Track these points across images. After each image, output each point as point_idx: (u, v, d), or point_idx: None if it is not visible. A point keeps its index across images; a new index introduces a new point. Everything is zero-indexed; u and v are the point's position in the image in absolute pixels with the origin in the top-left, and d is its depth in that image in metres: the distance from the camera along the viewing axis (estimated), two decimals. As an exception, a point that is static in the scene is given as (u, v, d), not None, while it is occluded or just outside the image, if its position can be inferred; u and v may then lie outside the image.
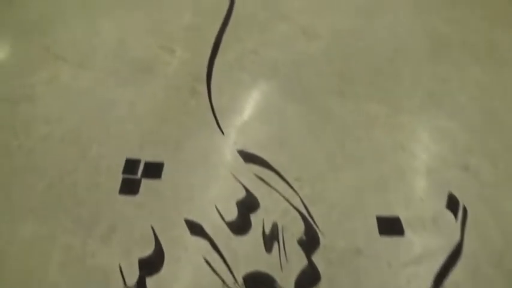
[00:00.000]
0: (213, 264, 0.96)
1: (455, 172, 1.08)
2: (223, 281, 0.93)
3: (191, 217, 1.03)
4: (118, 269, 0.94)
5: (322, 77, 1.25)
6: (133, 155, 1.13)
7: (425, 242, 0.97)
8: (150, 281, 0.93)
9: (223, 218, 1.02)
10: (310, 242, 0.99)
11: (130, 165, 1.11)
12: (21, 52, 1.35)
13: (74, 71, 1.30)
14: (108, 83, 1.27)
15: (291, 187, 1.06)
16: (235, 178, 1.08)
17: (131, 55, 1.32)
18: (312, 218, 1.02)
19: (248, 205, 1.04)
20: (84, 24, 1.40)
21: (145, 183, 1.08)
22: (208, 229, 1.01)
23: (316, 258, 0.96)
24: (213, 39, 1.35)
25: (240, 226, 1.02)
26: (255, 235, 0.99)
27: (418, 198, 1.05)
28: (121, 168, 1.11)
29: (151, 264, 0.95)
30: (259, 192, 1.06)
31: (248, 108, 1.20)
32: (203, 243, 0.98)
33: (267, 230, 1.01)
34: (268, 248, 0.98)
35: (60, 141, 1.16)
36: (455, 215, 1.02)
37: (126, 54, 1.32)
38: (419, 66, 1.26)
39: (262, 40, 1.33)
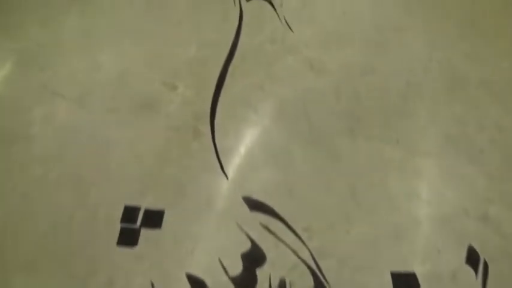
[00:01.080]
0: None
1: (475, 222, 1.01)
2: None
3: (193, 271, 0.96)
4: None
5: (332, 115, 1.18)
6: (132, 201, 1.07)
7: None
8: None
9: (227, 273, 0.95)
10: (320, 301, 0.92)
11: (129, 213, 1.05)
12: (18, 87, 1.29)
13: (72, 108, 1.24)
14: (107, 121, 1.21)
15: (300, 238, 0.99)
16: (241, 228, 1.01)
17: (132, 91, 1.26)
18: (321, 273, 0.95)
19: (254, 258, 0.98)
20: (83, 56, 1.34)
21: (145, 233, 1.01)
22: (211, 285, 0.93)
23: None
24: (218, 73, 1.28)
25: (245, 282, 0.95)
26: (261, 293, 0.92)
27: (435, 251, 0.97)
28: (119, 216, 1.04)
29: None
30: (266, 244, 0.99)
31: (254, 150, 1.14)
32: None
33: (274, 286, 0.93)
34: (275, 307, 0.91)
35: (56, 184, 1.10)
36: (476, 270, 0.94)
37: (126, 91, 1.26)
38: (434, 104, 1.19)
39: (269, 75, 1.27)
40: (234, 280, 0.96)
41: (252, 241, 1.00)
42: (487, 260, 0.96)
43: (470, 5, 1.37)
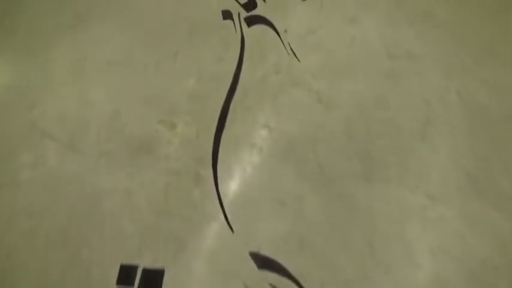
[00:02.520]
0: None
1: (504, 279, 0.90)
2: None
3: None
4: None
5: (344, 156, 1.08)
6: (129, 259, 0.97)
7: None
8: None
9: None
10: None
11: (126, 273, 0.95)
12: (4, 126, 1.19)
13: (63, 152, 1.14)
14: (101, 167, 1.10)
15: (313, 301, 0.89)
16: (248, 290, 0.91)
17: (127, 132, 1.16)
18: None
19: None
20: (74, 92, 1.25)
21: (143, 298, 0.91)
22: None
23: None
24: (219, 109, 1.17)
25: None
26: None
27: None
28: (115, 276, 0.94)
29: None
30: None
31: (260, 197, 1.04)
32: None
33: None
34: None
35: (45, 241, 1.00)
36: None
37: (121, 131, 1.16)
38: (455, 142, 1.08)
39: (274, 110, 1.16)
40: None
41: (261, 305, 0.90)
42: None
43: (487, 29, 1.26)
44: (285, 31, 1.33)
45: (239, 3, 1.41)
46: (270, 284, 0.93)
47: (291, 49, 1.29)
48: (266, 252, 0.98)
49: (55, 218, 1.05)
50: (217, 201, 1.05)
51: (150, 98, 1.24)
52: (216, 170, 1.09)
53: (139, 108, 1.22)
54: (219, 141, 1.14)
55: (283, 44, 1.30)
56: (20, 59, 1.33)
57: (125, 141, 1.16)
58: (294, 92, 1.21)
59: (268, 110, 1.18)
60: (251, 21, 1.36)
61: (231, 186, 1.07)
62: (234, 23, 1.36)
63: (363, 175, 1.06)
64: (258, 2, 1.41)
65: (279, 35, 1.32)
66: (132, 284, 0.95)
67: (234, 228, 1.00)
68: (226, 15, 1.38)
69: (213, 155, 1.12)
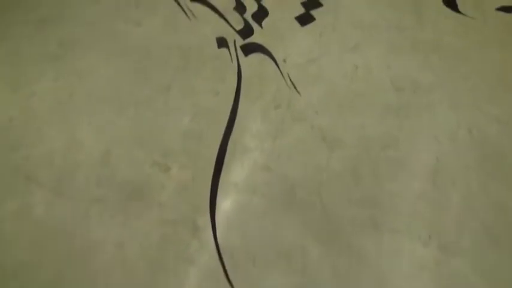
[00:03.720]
0: None
1: None
2: None
3: None
4: None
5: (350, 202, 1.01)
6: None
7: None
8: None
9: None
10: None
11: None
12: (-14, 172, 1.11)
13: (49, 199, 1.07)
14: (90, 216, 1.03)
15: None
16: None
17: (118, 176, 1.08)
18: None
19: None
20: (61, 132, 1.17)
21: None
22: None
23: None
24: (216, 149, 1.09)
25: None
26: None
27: None
28: None
29: None
30: None
31: (262, 251, 0.97)
32: None
33: None
34: None
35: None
36: None
37: (112, 175, 1.08)
38: (468, 186, 1.02)
39: (275, 150, 1.09)
40: None
41: None
42: None
43: (499, 59, 1.19)
44: (284, 61, 1.25)
45: (234, 29, 1.33)
46: None
47: (291, 81, 1.21)
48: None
49: (42, 276, 0.96)
50: (216, 254, 0.97)
51: (142, 137, 1.16)
52: (215, 218, 1.02)
53: (131, 149, 1.14)
54: (217, 187, 1.06)
55: (282, 75, 1.23)
56: (1, 94, 1.24)
57: (116, 187, 1.08)
58: (295, 129, 1.14)
59: (268, 150, 1.11)
60: (248, 49, 1.28)
61: (231, 237, 1.00)
62: (229, 52, 1.28)
63: (371, 223, 1.00)
64: (254, 28, 1.32)
65: (277, 65, 1.24)
66: None
67: (234, 285, 0.93)
68: (221, 43, 1.30)
69: (210, 202, 1.04)
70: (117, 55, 1.31)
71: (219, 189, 1.07)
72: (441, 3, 1.33)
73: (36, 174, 1.12)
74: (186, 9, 1.38)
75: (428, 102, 1.15)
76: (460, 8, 1.31)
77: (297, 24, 1.32)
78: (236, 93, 1.20)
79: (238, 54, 1.27)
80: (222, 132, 1.15)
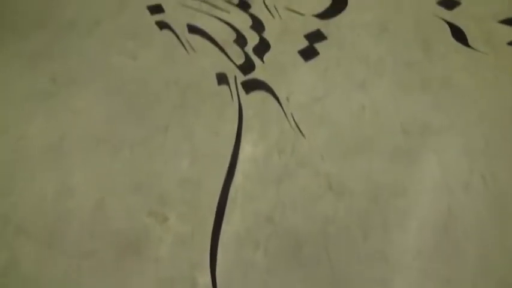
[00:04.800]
0: None
1: None
2: None
3: None
4: None
5: (359, 258, 0.96)
6: None
7: None
8: None
9: None
10: None
11: None
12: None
13: (39, 253, 1.01)
14: (83, 271, 0.98)
15: None
16: None
17: (113, 227, 1.03)
18: None
19: None
20: (52, 177, 1.10)
21: None
22: None
23: None
24: (217, 197, 1.03)
25: None
26: None
27: None
28: None
29: None
30: None
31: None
32: None
33: None
34: None
35: None
36: None
37: (106, 226, 1.03)
38: (483, 239, 0.97)
39: (279, 198, 1.04)
40: None
41: None
42: None
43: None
44: (287, 99, 1.19)
45: (235, 64, 1.26)
46: None
47: (295, 122, 1.15)
48: None
49: None
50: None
51: (138, 183, 1.09)
52: (215, 277, 0.95)
53: (126, 196, 1.08)
54: (218, 240, 1.00)
55: (286, 116, 1.16)
56: (-11, 135, 1.17)
57: (110, 239, 1.02)
58: (300, 176, 1.08)
59: (272, 199, 1.05)
60: (249, 86, 1.22)
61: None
62: (230, 89, 1.22)
63: (381, 281, 0.93)
64: (255, 63, 1.26)
65: (280, 104, 1.18)
66: None
67: None
68: (221, 79, 1.24)
69: (211, 257, 0.98)
70: (111, 91, 1.25)
71: (219, 243, 1.00)
72: (450, 37, 1.27)
73: (26, 224, 1.05)
74: (184, 41, 1.32)
75: (439, 146, 1.10)
76: (470, 42, 1.25)
77: (300, 58, 1.26)
78: (237, 135, 1.14)
79: (239, 92, 1.21)
80: (223, 178, 1.09)
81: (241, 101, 1.20)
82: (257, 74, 1.25)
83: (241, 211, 1.04)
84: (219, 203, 1.05)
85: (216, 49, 1.31)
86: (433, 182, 1.06)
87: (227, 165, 1.11)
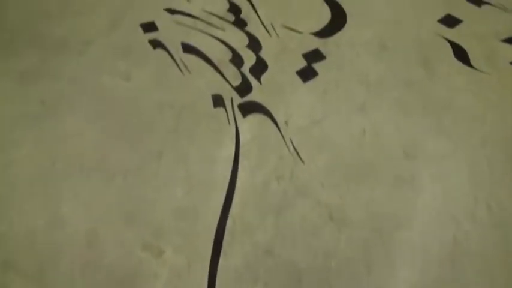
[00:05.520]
0: None
1: None
2: None
3: None
4: None
5: (363, 292, 0.90)
6: None
7: None
8: None
9: None
10: None
11: None
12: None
13: (30, 289, 0.94)
14: (75, 312, 0.90)
15: None
16: None
17: (106, 261, 0.99)
18: None
19: None
20: (43, 208, 1.06)
21: None
22: None
23: None
24: (214, 228, 0.99)
25: None
26: None
27: None
28: None
29: None
30: None
31: None
32: None
33: None
34: None
35: None
36: None
37: (98, 261, 0.99)
38: (491, 271, 0.94)
39: (278, 230, 1.01)
40: None
41: None
42: None
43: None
44: (286, 123, 1.15)
45: (231, 85, 1.22)
46: None
47: (294, 147, 1.11)
48: None
49: None
50: None
51: (132, 213, 1.05)
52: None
53: (119, 227, 1.04)
54: (215, 275, 0.96)
55: (284, 140, 1.13)
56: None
57: (103, 275, 0.98)
58: (299, 205, 1.04)
59: (271, 230, 1.01)
60: (246, 109, 1.18)
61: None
62: (226, 111, 1.17)
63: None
64: (252, 84, 1.22)
65: (278, 128, 1.14)
66: None
67: None
68: (217, 101, 1.19)
69: (209, 293, 0.93)
70: (103, 115, 1.20)
71: (217, 278, 0.96)
72: (452, 56, 1.23)
73: (15, 259, 1.01)
74: (178, 60, 1.27)
75: (442, 172, 1.06)
76: (472, 61, 1.22)
77: (298, 79, 1.22)
78: (234, 161, 1.10)
79: (236, 115, 1.17)
80: (220, 207, 1.04)
81: (238, 125, 1.16)
82: (254, 95, 1.21)
83: (240, 243, 1.01)
84: (216, 235, 1.01)
85: (212, 69, 1.27)
86: (437, 211, 1.02)
87: (224, 193, 1.07)
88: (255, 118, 1.18)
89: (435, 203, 1.04)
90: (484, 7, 1.34)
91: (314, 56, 1.27)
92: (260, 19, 1.36)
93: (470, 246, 0.98)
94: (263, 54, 1.29)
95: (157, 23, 1.37)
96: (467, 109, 1.15)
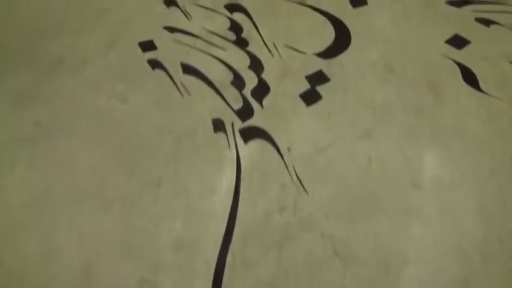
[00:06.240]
0: None
1: None
2: None
3: None
4: None
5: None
6: None
7: None
8: None
9: None
10: None
11: None
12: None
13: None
14: None
15: None
16: None
17: (101, 297, 0.92)
18: None
19: None
20: (37, 238, 1.04)
21: None
22: None
23: None
24: (214, 263, 0.95)
25: None
26: None
27: None
28: None
29: None
30: None
31: None
32: None
33: None
34: None
35: None
36: None
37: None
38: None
39: (281, 264, 0.98)
40: None
41: None
42: None
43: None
44: (288, 149, 1.10)
45: (232, 109, 1.18)
46: None
47: (297, 176, 1.07)
48: None
49: None
50: None
51: (129, 245, 1.02)
52: None
53: (116, 261, 1.00)
54: (215, 314, 0.91)
55: (287, 168, 1.08)
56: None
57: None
58: (303, 239, 1.00)
59: (274, 265, 0.97)
60: (247, 134, 1.14)
61: None
62: (227, 137, 1.13)
63: None
64: (254, 107, 1.17)
65: (281, 155, 1.10)
66: None
67: None
68: (218, 126, 1.15)
69: (208, 334, 0.89)
70: (99, 139, 1.16)
71: (217, 315, 0.91)
72: (461, 80, 1.19)
73: (9, 291, 0.95)
74: (178, 82, 1.23)
75: (451, 204, 1.02)
76: (481, 85, 1.17)
77: (301, 103, 1.18)
78: (235, 191, 1.05)
79: (237, 141, 1.12)
80: (220, 240, 1.00)
81: (239, 151, 1.12)
82: (256, 120, 1.17)
83: (241, 279, 0.97)
84: (216, 270, 0.97)
85: (212, 91, 1.23)
86: (446, 246, 0.98)
87: (225, 225, 1.02)
88: (256, 144, 1.13)
89: (444, 238, 0.99)
90: (493, 27, 1.29)
91: (318, 78, 1.23)
92: (262, 38, 1.32)
93: (481, 283, 0.93)
94: (265, 75, 1.24)
95: (156, 42, 1.33)
96: (477, 136, 1.11)
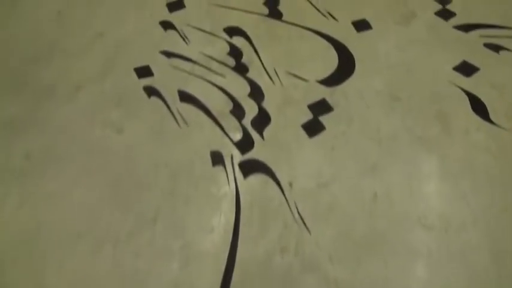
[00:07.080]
0: None
1: None
2: None
3: None
4: None
5: None
6: None
7: None
8: None
9: None
10: None
11: None
12: None
13: None
14: None
15: None
16: None
17: None
18: None
19: None
20: (26, 280, 0.98)
21: None
22: None
23: None
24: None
25: None
26: None
27: None
28: None
29: None
30: None
31: None
32: None
33: None
34: None
35: None
36: None
37: None
38: None
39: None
40: None
41: None
42: None
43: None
44: (290, 185, 1.05)
45: (232, 140, 1.12)
46: None
47: (299, 213, 1.01)
48: None
49: None
50: None
51: (123, 285, 0.94)
52: None
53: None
54: None
55: (289, 205, 1.03)
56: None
57: None
58: (305, 282, 0.96)
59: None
60: (247, 168, 1.09)
61: None
62: (226, 171, 1.08)
63: None
64: (254, 139, 1.12)
65: (282, 191, 1.05)
66: None
67: None
68: (216, 159, 1.10)
69: None
70: (93, 172, 1.11)
71: None
72: (470, 110, 1.14)
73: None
74: (175, 112, 1.18)
75: (462, 245, 0.97)
76: (491, 116, 1.12)
77: (304, 134, 1.12)
78: (234, 230, 1.00)
79: (236, 175, 1.07)
80: (219, 283, 0.94)
81: (239, 187, 1.07)
82: (256, 153, 1.11)
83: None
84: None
85: (211, 121, 1.17)
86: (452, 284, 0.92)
87: (223, 268, 0.97)
88: (256, 179, 1.08)
89: (455, 281, 0.93)
90: (503, 53, 1.24)
91: (321, 107, 1.17)
92: (262, 64, 1.27)
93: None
94: (266, 104, 1.19)
95: (153, 68, 1.28)
96: (487, 171, 1.06)
